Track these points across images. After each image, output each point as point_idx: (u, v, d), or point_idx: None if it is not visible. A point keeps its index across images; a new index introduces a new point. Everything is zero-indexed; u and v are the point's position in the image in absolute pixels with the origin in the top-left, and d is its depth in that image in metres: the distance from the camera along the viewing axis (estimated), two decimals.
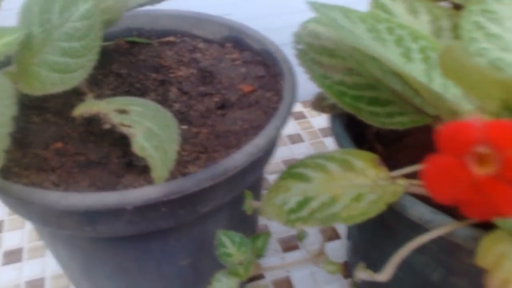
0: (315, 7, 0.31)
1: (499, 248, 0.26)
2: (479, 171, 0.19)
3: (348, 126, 0.40)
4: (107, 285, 0.39)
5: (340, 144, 0.36)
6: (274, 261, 0.52)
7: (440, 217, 0.30)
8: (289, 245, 0.54)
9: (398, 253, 0.29)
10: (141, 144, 0.31)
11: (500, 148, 0.18)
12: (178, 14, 0.49)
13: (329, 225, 0.31)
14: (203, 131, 0.38)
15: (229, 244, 0.35)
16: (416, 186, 0.32)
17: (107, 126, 0.33)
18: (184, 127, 0.39)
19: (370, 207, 0.30)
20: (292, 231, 0.56)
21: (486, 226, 0.28)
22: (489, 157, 0.19)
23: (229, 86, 0.43)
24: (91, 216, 0.31)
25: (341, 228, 0.57)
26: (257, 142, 0.33)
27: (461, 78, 0.25)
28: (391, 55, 0.30)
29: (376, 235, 0.35)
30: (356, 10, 0.33)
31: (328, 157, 0.34)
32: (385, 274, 0.29)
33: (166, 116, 0.34)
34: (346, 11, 0.32)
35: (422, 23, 0.34)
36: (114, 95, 0.42)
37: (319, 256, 0.38)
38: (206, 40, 0.49)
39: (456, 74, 0.25)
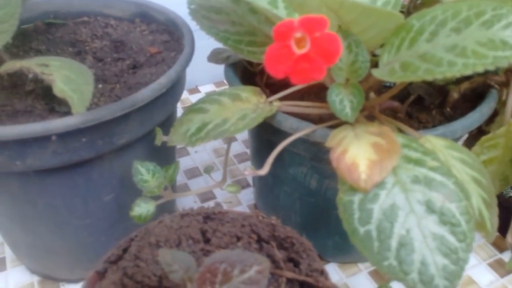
0: None
1: (342, 134, 0.35)
2: (298, 51, 0.27)
3: (242, 77, 0.49)
4: (38, 227, 0.44)
5: (232, 85, 0.45)
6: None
7: (304, 123, 0.39)
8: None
9: (273, 152, 0.38)
10: (60, 88, 0.37)
11: (309, 33, 0.27)
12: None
13: (219, 138, 0.38)
14: (117, 87, 0.45)
15: (145, 172, 0.41)
16: (287, 106, 0.41)
17: (30, 76, 0.39)
18: (100, 85, 0.45)
19: (251, 121, 0.38)
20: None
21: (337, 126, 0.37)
22: (303, 40, 0.27)
23: (138, 51, 0.50)
24: (20, 149, 0.36)
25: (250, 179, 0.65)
26: (161, 81, 0.40)
27: (302, 9, 0.34)
28: (263, 4, 0.39)
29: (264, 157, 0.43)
30: None
31: (220, 93, 0.42)
32: (264, 169, 0.37)
33: (81, 67, 0.40)
34: None
35: None
36: None
37: (223, 182, 0.46)
38: (117, 18, 0.55)
39: (299, 6, 0.34)
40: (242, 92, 0.41)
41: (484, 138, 0.40)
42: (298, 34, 0.27)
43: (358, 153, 0.33)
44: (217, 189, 0.64)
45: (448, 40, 0.30)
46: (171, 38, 0.51)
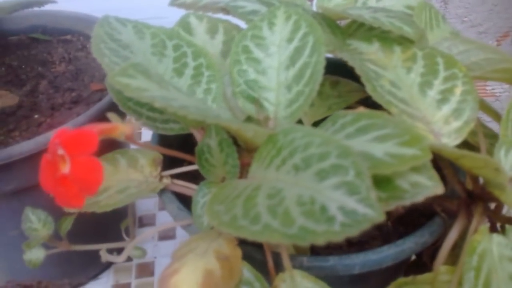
0: (105, 20, 0.36)
1: (193, 244, 0.30)
2: (62, 169, 0.23)
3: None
4: None
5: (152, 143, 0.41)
6: None
7: (183, 213, 0.33)
8: None
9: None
10: None
11: (70, 153, 0.22)
12: (75, 16, 0.55)
13: (93, 209, 0.35)
14: (47, 121, 0.43)
15: (35, 220, 0.40)
16: (179, 186, 0.36)
17: None
18: (36, 116, 0.44)
19: (127, 198, 0.34)
20: None
21: None
22: (65, 160, 0.23)
23: (87, 84, 0.48)
24: None
25: None
26: (47, 135, 0.38)
27: None
28: (161, 69, 0.34)
29: None
30: (153, 26, 0.37)
31: (123, 152, 0.38)
32: (121, 257, 0.33)
33: None
34: (141, 26, 0.36)
35: (215, 43, 0.38)
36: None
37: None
38: None
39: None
40: (141, 157, 0.37)
41: (401, 280, 0.31)
42: (60, 151, 0.22)
43: (186, 279, 0.27)
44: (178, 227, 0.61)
45: (286, 177, 0.23)
46: None
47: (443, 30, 0.47)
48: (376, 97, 0.31)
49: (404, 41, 0.37)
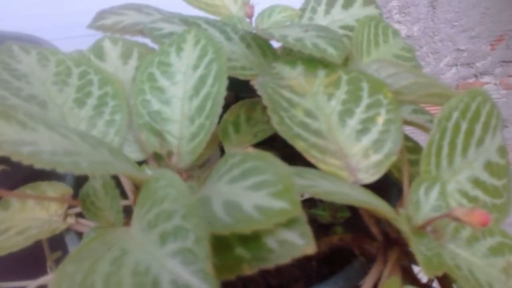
0: (5, 48, 0.33)
1: None
2: None
3: None
4: None
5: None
6: None
7: None
8: None
9: None
10: None
11: None
12: (14, 36, 0.53)
13: None
14: None
15: None
16: (84, 225, 0.33)
17: None
18: None
19: (22, 241, 0.32)
20: None
21: None
22: None
23: None
24: None
25: None
26: None
27: None
28: (60, 100, 0.32)
29: None
30: (61, 53, 0.35)
31: (35, 186, 0.36)
32: None
33: None
34: (47, 53, 0.34)
35: (128, 69, 0.35)
36: None
37: None
38: None
39: None
40: (49, 190, 0.35)
41: None
42: None
43: None
44: None
45: (139, 235, 0.21)
46: None
47: (392, 46, 0.44)
48: (281, 131, 0.28)
49: (331, 64, 0.34)
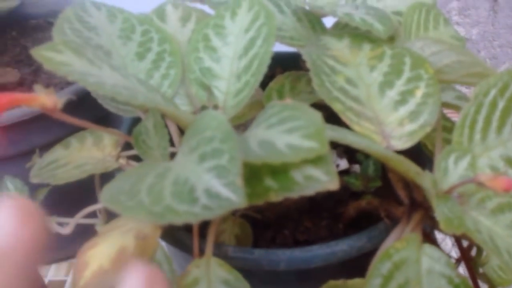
0: (79, 3, 0.37)
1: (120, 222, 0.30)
2: None
3: None
4: None
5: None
6: None
7: None
8: None
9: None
10: None
11: None
12: None
13: (49, 181, 0.36)
14: None
15: (12, 188, 0.42)
16: (132, 166, 0.36)
17: None
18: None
19: (78, 174, 0.35)
20: None
21: None
22: None
23: None
24: None
25: None
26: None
27: None
28: (123, 52, 0.35)
29: None
30: (127, 12, 0.38)
31: (93, 131, 0.40)
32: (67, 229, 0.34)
33: None
34: (115, 11, 0.38)
35: (185, 31, 0.38)
36: None
37: None
38: None
39: None
40: (106, 137, 0.38)
41: (331, 283, 0.30)
42: None
43: (100, 253, 0.28)
44: None
45: (183, 159, 0.23)
46: None
47: (442, 33, 0.45)
48: (320, 92, 0.30)
49: (377, 40, 0.35)
